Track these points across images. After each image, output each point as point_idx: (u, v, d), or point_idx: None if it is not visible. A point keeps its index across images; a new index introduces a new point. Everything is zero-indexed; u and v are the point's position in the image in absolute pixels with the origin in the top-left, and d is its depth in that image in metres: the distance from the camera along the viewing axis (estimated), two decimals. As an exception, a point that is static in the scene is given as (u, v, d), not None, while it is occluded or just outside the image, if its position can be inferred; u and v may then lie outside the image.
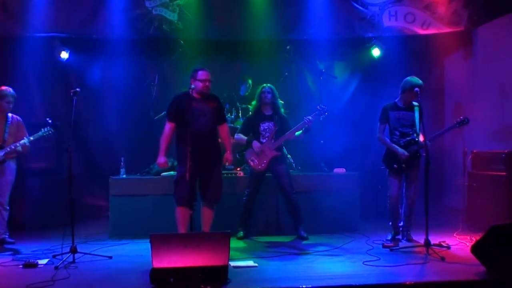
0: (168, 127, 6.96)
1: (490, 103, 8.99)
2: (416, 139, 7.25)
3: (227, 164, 7.30)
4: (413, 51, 9.83)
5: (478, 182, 8.29)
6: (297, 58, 9.64)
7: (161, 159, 6.97)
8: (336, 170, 8.74)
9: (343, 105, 10.32)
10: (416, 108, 7.30)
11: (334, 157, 9.17)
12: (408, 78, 7.35)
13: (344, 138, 9.45)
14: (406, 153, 7.23)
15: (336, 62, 10.47)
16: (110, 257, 6.63)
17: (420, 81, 7.24)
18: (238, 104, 9.56)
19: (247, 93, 9.76)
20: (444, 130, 7.47)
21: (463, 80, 9.92)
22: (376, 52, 9.83)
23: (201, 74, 6.95)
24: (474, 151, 8.55)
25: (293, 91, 9.87)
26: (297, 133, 7.72)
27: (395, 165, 7.33)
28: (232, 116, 9.36)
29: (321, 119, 7.82)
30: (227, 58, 10.33)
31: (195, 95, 6.81)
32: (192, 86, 6.82)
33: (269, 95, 7.90)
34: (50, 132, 7.29)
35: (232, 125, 9.10)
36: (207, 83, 6.94)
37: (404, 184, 7.46)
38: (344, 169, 8.74)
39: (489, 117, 8.91)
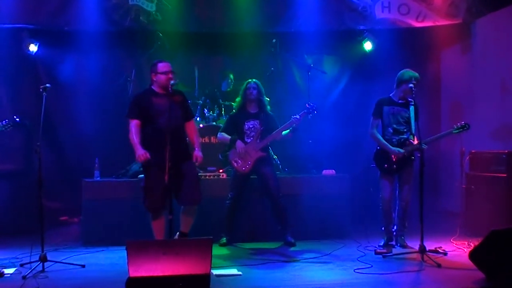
0: (133, 123, 6.69)
1: (490, 100, 9.03)
2: (411, 139, 7.27)
3: (196, 163, 6.93)
4: (407, 45, 9.86)
5: (477, 184, 8.32)
6: (283, 52, 9.65)
7: (140, 150, 6.58)
8: (325, 171, 8.74)
9: (333, 102, 10.35)
10: (412, 106, 7.30)
11: (323, 158, 9.19)
12: (404, 70, 7.39)
13: (333, 137, 9.48)
14: (401, 150, 7.24)
15: (325, 57, 10.50)
16: (83, 266, 6.58)
17: (417, 74, 7.29)
18: (220, 101, 9.55)
19: (229, 89, 9.75)
20: (441, 135, 7.49)
21: (461, 75, 9.96)
22: (368, 45, 9.86)
23: (162, 66, 6.77)
24: (473, 151, 8.57)
25: (279, 88, 9.86)
26: (284, 132, 7.70)
27: (385, 165, 7.35)
28: (215, 114, 9.35)
29: (309, 117, 7.81)
30: (209, 52, 10.32)
31: (158, 90, 6.76)
32: (154, 80, 6.77)
33: (255, 91, 7.88)
34: (9, 126, 7.12)
35: (214, 123, 9.10)
36: (169, 75, 6.72)
37: (397, 186, 7.48)
38: (333, 171, 8.74)
39: (488, 115, 8.95)
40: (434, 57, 10.60)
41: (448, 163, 9.94)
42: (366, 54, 10.01)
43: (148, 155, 6.57)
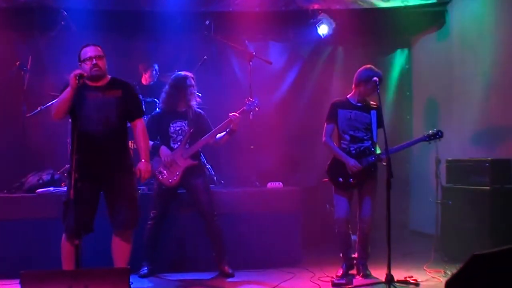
0: None
1: (470, 98, 9.15)
2: (372, 148, 7.33)
3: (140, 178, 6.70)
4: (371, 30, 9.99)
5: (455, 198, 8.43)
6: (219, 36, 9.64)
7: None
8: (270, 184, 8.76)
9: (280, 99, 10.41)
10: (374, 110, 7.37)
11: (268, 168, 9.20)
12: (364, 68, 7.43)
13: (281, 143, 9.50)
14: (358, 164, 7.29)
15: (271, 43, 10.54)
16: (-35, 305, 6.47)
17: (379, 72, 7.34)
18: (142, 97, 9.48)
19: (152, 82, 9.71)
20: (408, 144, 7.57)
21: (435, 68, 10.10)
22: (323, 29, 9.94)
23: (85, 52, 6.48)
24: (450, 159, 8.69)
25: (214, 80, 9.89)
26: (219, 135, 7.70)
27: (340, 179, 7.38)
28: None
29: (250, 116, 7.83)
30: (127, 35, 10.25)
31: (89, 82, 6.44)
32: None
33: (194, 88, 7.85)
34: None
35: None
36: (94, 61, 6.41)
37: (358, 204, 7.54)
38: (281, 183, 8.77)
39: (469, 116, 9.09)
40: (403, 45, 10.75)
41: (421, 173, 10.08)
42: (321, 40, 10.09)
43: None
